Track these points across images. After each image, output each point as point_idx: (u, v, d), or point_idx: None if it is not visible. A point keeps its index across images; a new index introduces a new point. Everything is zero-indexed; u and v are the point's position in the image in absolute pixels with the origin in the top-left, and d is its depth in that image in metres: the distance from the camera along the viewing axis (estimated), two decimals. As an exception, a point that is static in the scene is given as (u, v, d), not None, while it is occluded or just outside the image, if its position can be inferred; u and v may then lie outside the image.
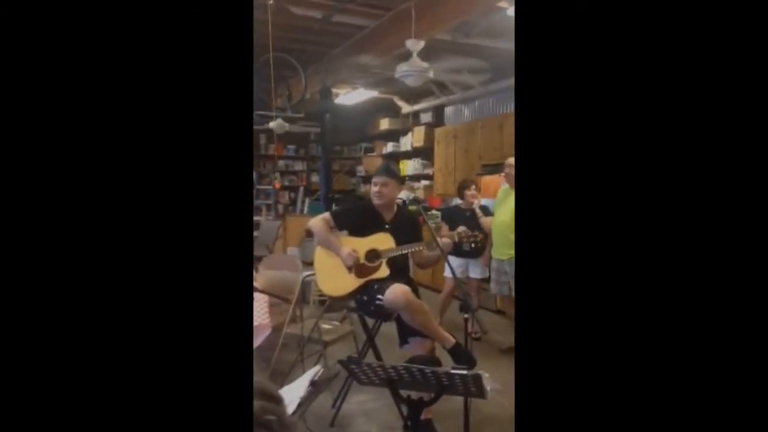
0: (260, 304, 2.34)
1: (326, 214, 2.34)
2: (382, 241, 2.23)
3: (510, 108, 4.69)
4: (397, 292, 2.03)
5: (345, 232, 2.33)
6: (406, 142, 6.32)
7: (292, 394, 1.17)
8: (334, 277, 2.23)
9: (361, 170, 7.60)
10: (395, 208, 2.35)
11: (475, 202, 3.42)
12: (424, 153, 5.93)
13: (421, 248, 2.22)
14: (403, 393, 1.39)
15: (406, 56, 3.11)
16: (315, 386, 1.19)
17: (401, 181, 2.48)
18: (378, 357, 2.38)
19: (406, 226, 2.33)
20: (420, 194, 5.85)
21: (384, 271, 2.16)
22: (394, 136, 6.65)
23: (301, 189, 7.46)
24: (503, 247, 3.13)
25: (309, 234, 5.43)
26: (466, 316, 1.73)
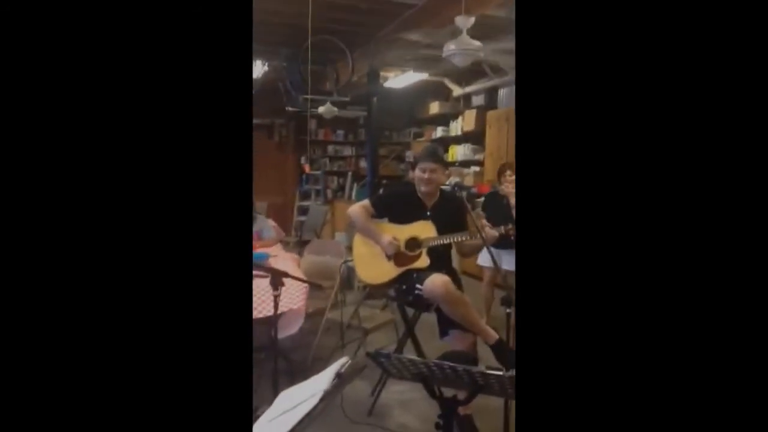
0: (296, 289, 2.33)
1: (365, 201, 2.28)
2: (424, 230, 2.14)
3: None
4: (436, 282, 1.94)
5: (385, 219, 2.27)
6: (457, 127, 6.13)
7: (317, 386, 1.12)
8: (373, 264, 2.18)
9: (409, 155, 7.49)
10: (438, 194, 2.25)
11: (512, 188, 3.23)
12: (475, 137, 5.73)
13: (463, 238, 2.11)
14: (437, 389, 1.32)
15: (456, 34, 2.95)
16: (341, 378, 1.14)
17: (447, 166, 2.38)
18: (417, 348, 2.32)
19: (450, 213, 2.22)
20: (469, 180, 5.67)
21: (424, 261, 2.08)
22: (444, 120, 6.47)
23: (350, 174, 7.47)
24: None
25: (355, 220, 5.46)
26: (508, 310, 1.61)
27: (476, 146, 5.76)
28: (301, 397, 1.12)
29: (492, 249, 3.39)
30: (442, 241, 2.10)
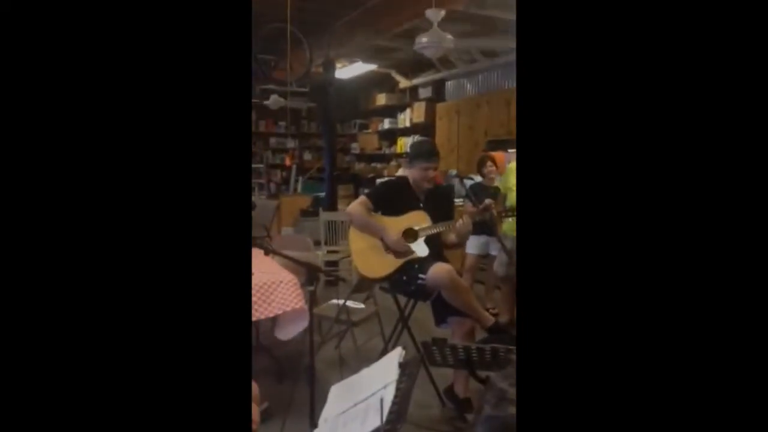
0: (290, 288, 2.27)
1: (362, 198, 2.27)
2: (418, 219, 2.18)
3: (516, 83, 4.63)
4: (440, 270, 1.99)
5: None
6: (405, 119, 6.22)
7: (383, 377, 1.12)
8: (373, 258, 2.18)
9: (355, 148, 7.47)
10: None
11: (496, 178, 3.38)
12: (424, 129, 5.85)
13: (455, 225, 2.18)
14: (481, 373, 1.37)
15: (416, 29, 3.00)
16: (404, 368, 1.14)
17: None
18: (412, 337, 2.36)
19: (440, 202, 2.28)
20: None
21: (423, 250, 2.12)
22: (390, 112, 6.52)
23: (294, 167, 7.30)
24: None
25: (304, 213, 5.33)
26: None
27: (425, 138, 5.88)
28: (368, 389, 1.12)
29: (481, 237, 3.41)
30: (437, 230, 2.16)
